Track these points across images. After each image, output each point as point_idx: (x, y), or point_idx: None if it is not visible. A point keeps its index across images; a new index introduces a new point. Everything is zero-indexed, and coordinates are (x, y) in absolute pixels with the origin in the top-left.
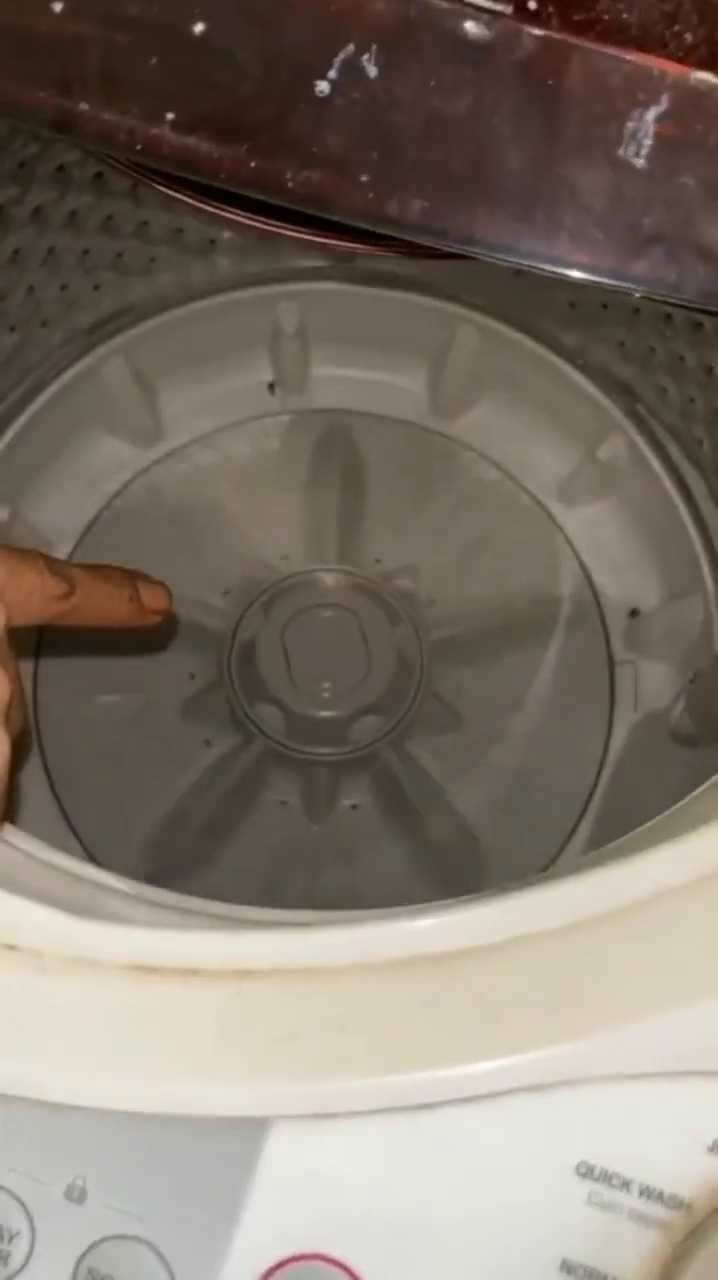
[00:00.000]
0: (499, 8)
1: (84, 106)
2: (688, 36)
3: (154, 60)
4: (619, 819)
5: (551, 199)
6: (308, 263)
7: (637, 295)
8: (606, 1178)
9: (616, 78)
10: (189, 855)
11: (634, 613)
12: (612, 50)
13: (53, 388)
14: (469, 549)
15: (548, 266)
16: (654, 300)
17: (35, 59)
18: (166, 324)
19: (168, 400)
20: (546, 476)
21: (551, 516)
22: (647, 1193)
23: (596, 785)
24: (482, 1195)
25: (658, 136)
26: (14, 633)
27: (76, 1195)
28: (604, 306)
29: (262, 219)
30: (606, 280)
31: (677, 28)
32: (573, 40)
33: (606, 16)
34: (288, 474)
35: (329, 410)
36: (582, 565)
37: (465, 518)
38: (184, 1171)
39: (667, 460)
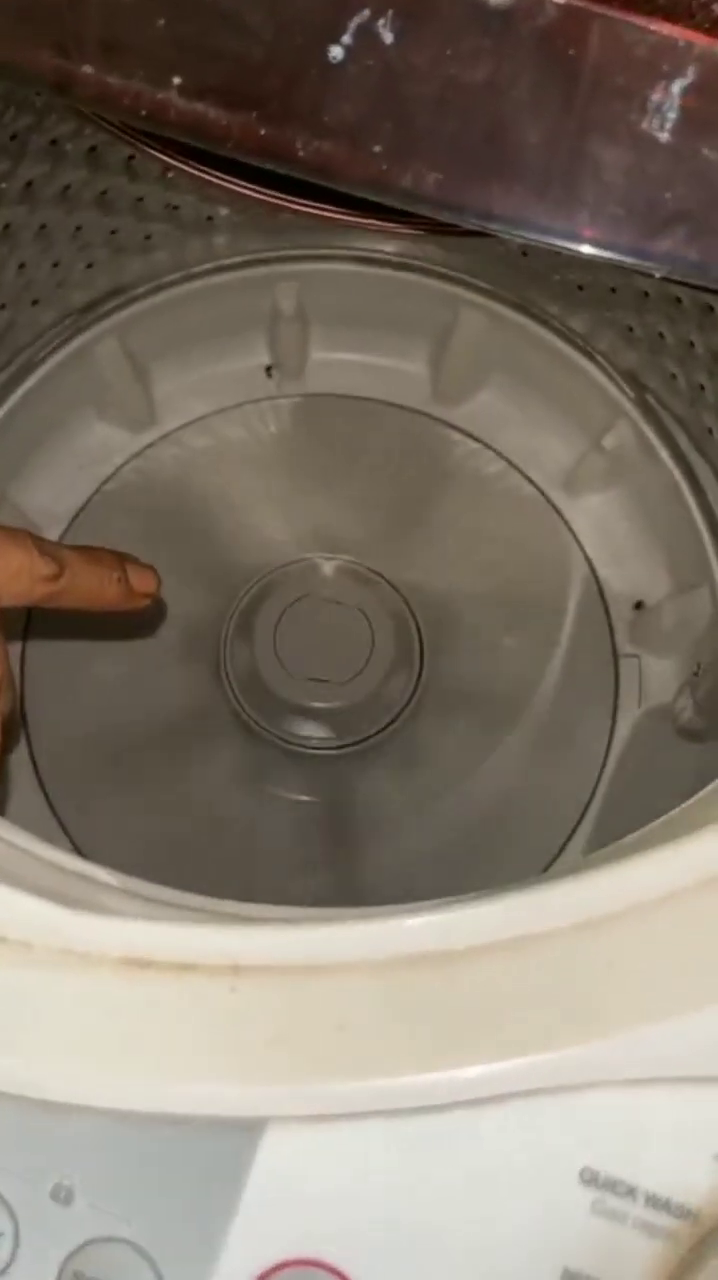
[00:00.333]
0: None
1: (88, 69)
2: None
3: (161, 22)
4: (622, 818)
5: (570, 173)
6: (308, 241)
7: (657, 276)
8: (610, 1185)
9: (640, 48)
10: (178, 848)
11: (639, 605)
12: (637, 20)
13: (43, 368)
14: (470, 539)
15: (566, 244)
16: (674, 282)
17: (39, 19)
18: (161, 304)
19: (162, 383)
20: (550, 465)
21: (554, 506)
22: (653, 1201)
23: (598, 783)
24: (482, 1202)
25: (684, 110)
26: (2, 614)
27: (63, 1196)
28: (613, 290)
29: (267, 191)
30: (626, 259)
31: None
32: (597, 9)
33: None
34: (284, 460)
35: (328, 395)
36: (586, 557)
37: (467, 507)
38: (175, 1173)
39: (675, 449)
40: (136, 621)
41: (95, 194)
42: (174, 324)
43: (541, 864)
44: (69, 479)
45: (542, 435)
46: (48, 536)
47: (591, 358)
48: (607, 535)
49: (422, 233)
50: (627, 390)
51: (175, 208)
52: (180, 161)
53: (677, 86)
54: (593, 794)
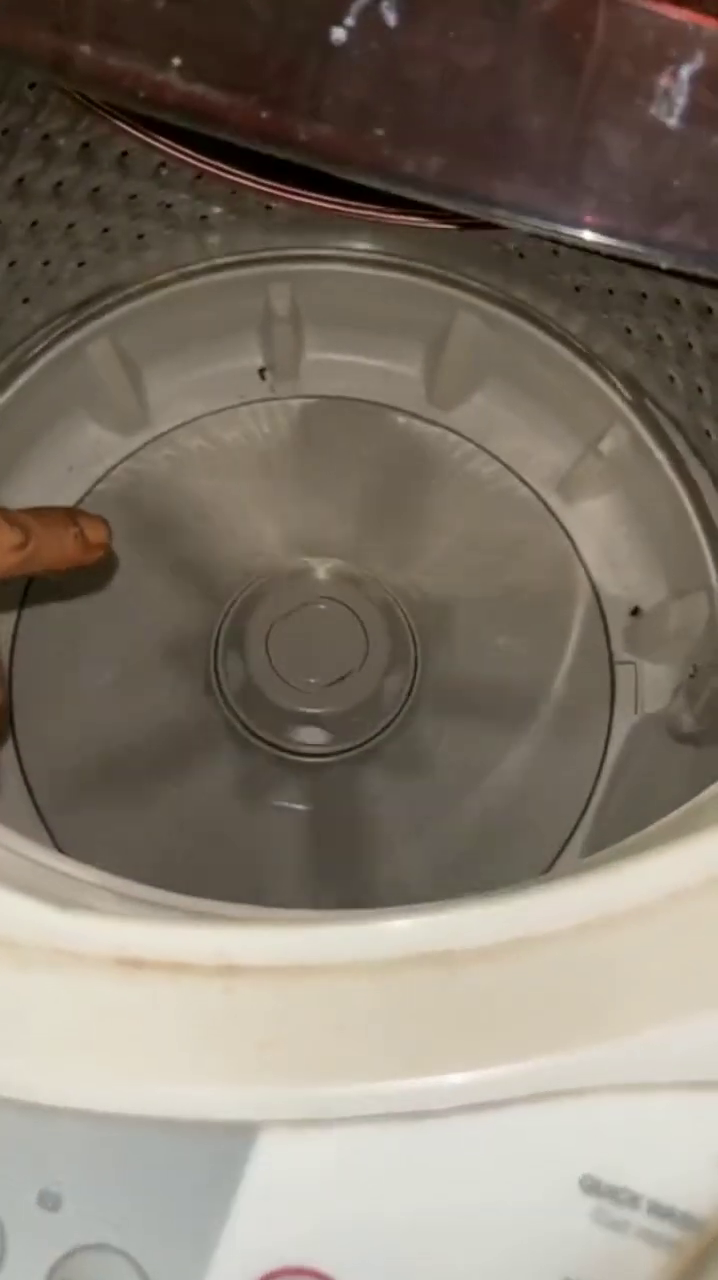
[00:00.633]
0: None
1: (86, 50)
2: None
3: (161, 3)
4: (618, 824)
5: (576, 160)
6: (303, 240)
7: (663, 267)
8: (612, 1193)
9: (649, 33)
10: (163, 848)
11: (636, 611)
12: (646, 3)
13: (34, 368)
14: (465, 543)
15: (571, 231)
16: (679, 274)
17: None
18: (154, 303)
19: (154, 383)
20: (546, 469)
21: (550, 510)
22: (656, 1210)
23: (594, 789)
24: (480, 1210)
25: (693, 95)
26: None
27: (50, 1202)
28: (610, 292)
29: (263, 180)
30: (633, 247)
31: None
32: None
33: None
34: (278, 462)
35: (322, 397)
36: (582, 562)
37: (462, 511)
38: (166, 1178)
39: (672, 453)
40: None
41: (88, 191)
42: (167, 324)
43: (536, 870)
44: (59, 480)
45: (538, 439)
46: None
47: (588, 360)
48: (603, 540)
49: (420, 223)
50: (624, 393)
51: (169, 206)
52: (175, 149)
53: (686, 72)
54: (589, 800)
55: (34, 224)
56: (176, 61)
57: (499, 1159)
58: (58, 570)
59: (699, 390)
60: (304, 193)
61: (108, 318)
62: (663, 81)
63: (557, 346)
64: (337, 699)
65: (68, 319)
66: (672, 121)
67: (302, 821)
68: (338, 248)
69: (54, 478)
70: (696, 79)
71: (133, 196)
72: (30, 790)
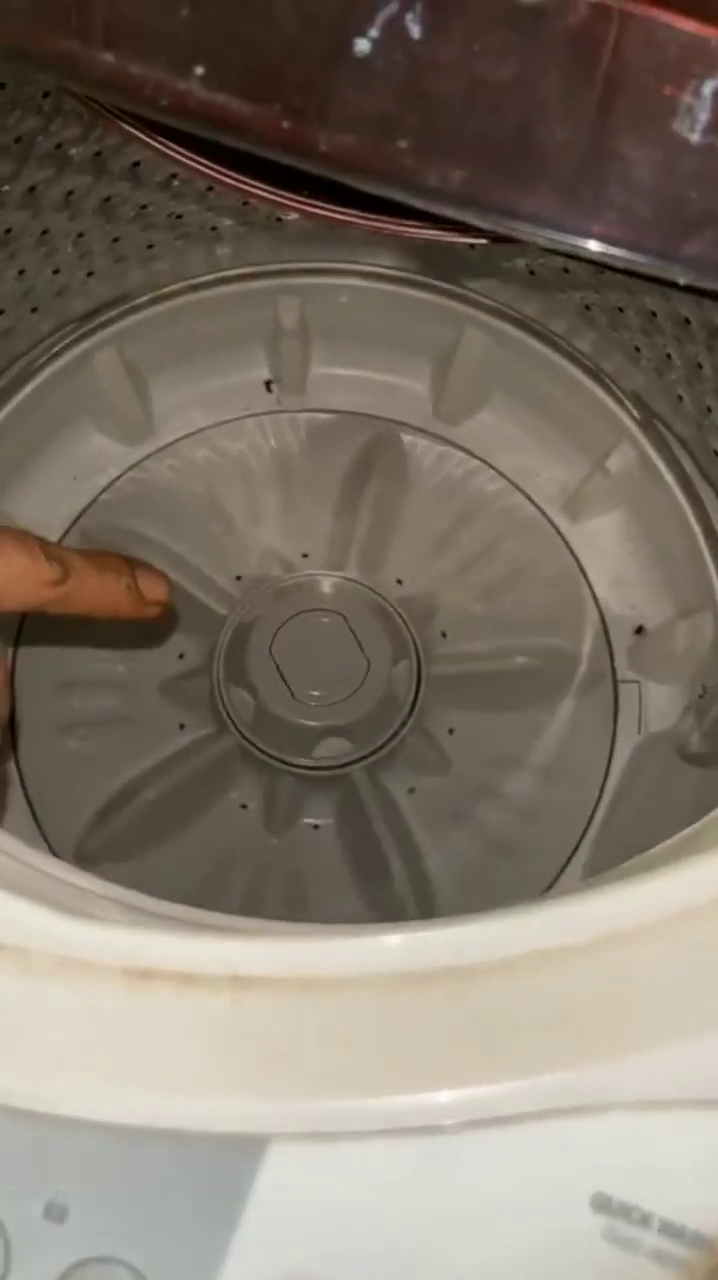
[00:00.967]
0: None
1: (109, 57)
2: None
3: (185, 11)
4: (619, 844)
5: (597, 174)
6: (312, 254)
7: (680, 284)
8: (624, 1212)
9: (672, 48)
10: (134, 837)
11: (641, 630)
12: (669, 18)
13: (41, 377)
14: (469, 560)
15: (592, 246)
16: (697, 291)
17: (60, 7)
18: (162, 315)
19: (160, 394)
20: (552, 486)
21: (555, 528)
22: (667, 1229)
23: (595, 809)
24: (489, 1226)
25: (715, 111)
26: None
27: (57, 1213)
28: (620, 310)
29: (278, 191)
30: (653, 262)
31: None
32: (628, 7)
33: None
34: (282, 476)
35: (329, 411)
36: (587, 580)
37: (466, 527)
38: (173, 1191)
39: (679, 472)
40: (138, 630)
41: (99, 200)
42: (174, 335)
43: (537, 890)
44: (64, 490)
45: (545, 456)
46: None
47: (596, 378)
48: (608, 558)
49: (435, 236)
50: (632, 411)
51: (179, 216)
52: (189, 158)
53: (708, 87)
54: (591, 820)
55: (44, 232)
56: (199, 70)
57: (510, 1176)
58: (105, 618)
59: (708, 410)
60: (319, 203)
61: (115, 328)
62: (685, 97)
63: (565, 364)
64: (339, 713)
65: (75, 328)
66: (694, 136)
67: (272, 823)
68: (347, 262)
69: (58, 487)
70: None
71: (144, 207)
72: (45, 836)
